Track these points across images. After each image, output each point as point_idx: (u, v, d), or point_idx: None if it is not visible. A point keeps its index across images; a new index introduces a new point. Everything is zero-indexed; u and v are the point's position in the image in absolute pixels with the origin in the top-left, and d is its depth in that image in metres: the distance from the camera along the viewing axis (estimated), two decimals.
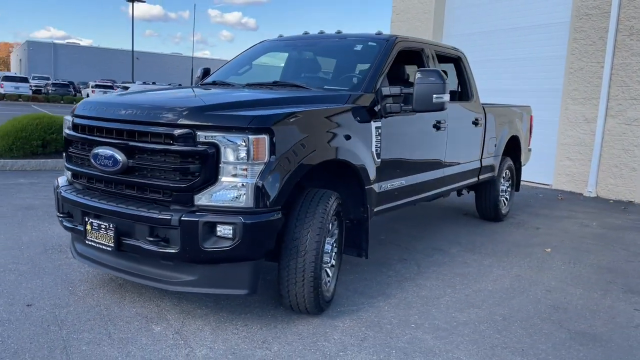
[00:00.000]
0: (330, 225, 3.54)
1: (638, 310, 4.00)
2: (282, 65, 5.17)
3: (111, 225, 3.20)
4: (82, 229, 3.38)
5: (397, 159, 4.36)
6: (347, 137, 3.65)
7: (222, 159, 2.99)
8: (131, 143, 3.16)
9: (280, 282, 3.35)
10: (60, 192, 3.56)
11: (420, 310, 3.77)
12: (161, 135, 3.07)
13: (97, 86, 41.84)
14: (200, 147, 2.99)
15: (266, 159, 3.03)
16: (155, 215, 3.03)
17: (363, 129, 3.85)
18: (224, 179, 3.01)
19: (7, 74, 47.43)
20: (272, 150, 3.05)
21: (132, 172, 3.19)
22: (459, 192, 6.27)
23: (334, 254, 3.70)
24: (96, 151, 3.29)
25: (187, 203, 3.05)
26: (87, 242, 3.37)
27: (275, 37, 5.56)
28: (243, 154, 2.98)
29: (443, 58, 5.50)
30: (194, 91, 4.00)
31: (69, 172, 3.67)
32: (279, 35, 5.61)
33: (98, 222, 3.27)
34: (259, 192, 3.01)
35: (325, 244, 3.48)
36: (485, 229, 6.41)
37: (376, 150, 3.99)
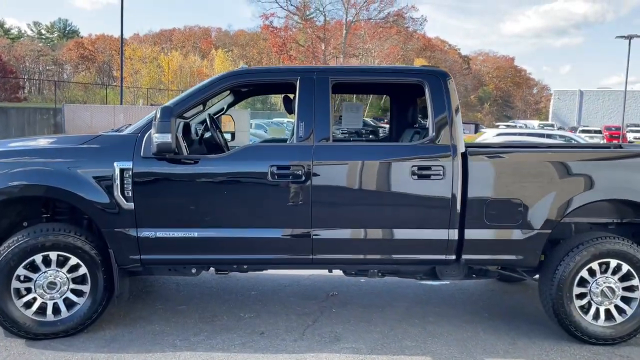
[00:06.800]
0: (40, 255, 3.86)
1: None
2: None
3: None
4: None
5: (178, 207, 3.96)
6: (68, 174, 3.86)
7: None
8: None
9: None
10: None
11: None
12: None
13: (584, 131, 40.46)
14: None
15: None
16: None
17: (97, 168, 3.89)
18: None
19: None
20: None
21: None
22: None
23: (64, 284, 3.92)
24: None
25: None
26: None
27: None
28: None
29: (369, 86, 4.08)
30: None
31: None
32: None
33: None
34: None
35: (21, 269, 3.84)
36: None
37: (125, 193, 3.87)
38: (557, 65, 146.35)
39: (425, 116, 4.84)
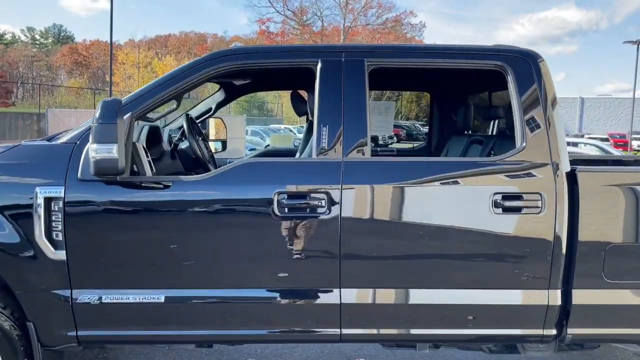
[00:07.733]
0: None
1: None
2: None
3: None
4: None
5: (135, 256, 2.59)
6: None
7: None
8: None
9: None
10: None
11: None
12: None
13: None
14: None
15: None
16: None
17: (7, 195, 2.53)
18: None
19: None
20: None
21: None
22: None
23: None
24: None
25: None
26: None
27: None
28: None
29: (412, 76, 2.72)
30: None
31: None
32: None
33: None
34: None
35: None
36: None
37: (52, 235, 2.50)
38: (552, 73, 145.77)
39: (486, 118, 3.53)
